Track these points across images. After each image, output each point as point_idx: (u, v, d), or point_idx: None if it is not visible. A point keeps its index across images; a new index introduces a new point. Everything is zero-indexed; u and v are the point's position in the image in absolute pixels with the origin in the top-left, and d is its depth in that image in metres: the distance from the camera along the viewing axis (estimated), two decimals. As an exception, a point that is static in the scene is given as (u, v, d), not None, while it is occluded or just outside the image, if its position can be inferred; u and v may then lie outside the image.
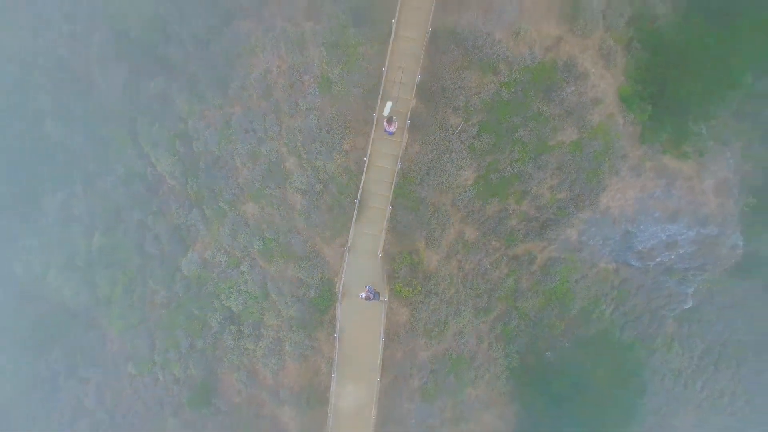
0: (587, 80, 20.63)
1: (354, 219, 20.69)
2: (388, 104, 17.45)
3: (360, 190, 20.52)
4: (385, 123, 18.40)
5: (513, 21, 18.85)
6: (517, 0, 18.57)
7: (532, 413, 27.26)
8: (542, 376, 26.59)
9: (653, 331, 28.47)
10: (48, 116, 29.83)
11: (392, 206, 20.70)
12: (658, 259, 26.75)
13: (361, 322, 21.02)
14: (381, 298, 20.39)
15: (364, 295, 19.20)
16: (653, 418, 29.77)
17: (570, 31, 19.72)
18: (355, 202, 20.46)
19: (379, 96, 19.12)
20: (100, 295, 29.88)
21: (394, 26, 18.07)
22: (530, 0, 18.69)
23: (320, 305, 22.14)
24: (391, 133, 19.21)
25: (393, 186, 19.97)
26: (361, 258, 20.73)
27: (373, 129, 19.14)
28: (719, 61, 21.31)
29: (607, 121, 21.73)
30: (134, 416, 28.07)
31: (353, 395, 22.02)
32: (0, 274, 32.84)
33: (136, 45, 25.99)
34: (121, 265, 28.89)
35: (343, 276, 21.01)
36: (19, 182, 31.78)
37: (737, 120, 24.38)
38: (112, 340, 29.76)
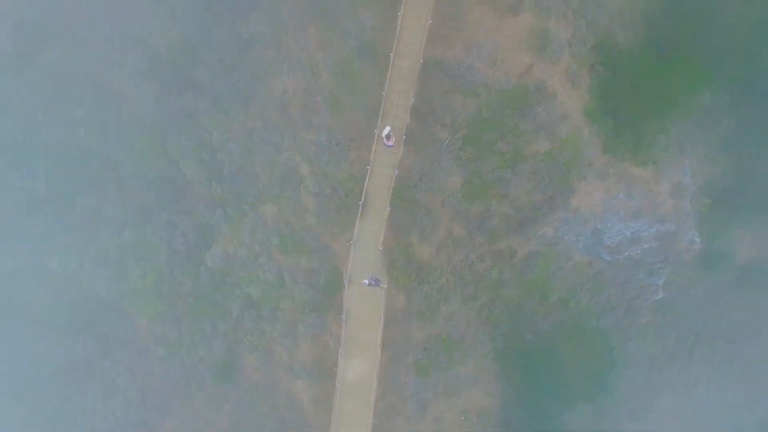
0: (556, 99, 25.25)
1: (358, 218, 25.40)
2: (387, 128, 22.10)
3: (363, 193, 25.23)
4: (384, 138, 23.07)
5: (490, 53, 23.50)
6: (493, 36, 23.19)
7: (516, 390, 31.50)
8: (524, 357, 30.94)
9: (628, 319, 32.16)
10: (82, 126, 34.35)
11: (391, 207, 25.39)
12: (626, 253, 31.09)
13: (364, 306, 25.74)
14: (381, 285, 25.09)
15: (367, 282, 23.91)
16: (633, 402, 32.08)
17: (539, 59, 24.36)
18: (359, 204, 25.15)
19: (380, 115, 23.81)
20: (131, 287, 34.49)
21: (392, 58, 22.74)
22: (504, 36, 23.33)
23: (329, 291, 26.84)
24: (390, 146, 23.87)
25: (391, 190, 24.68)
26: (365, 251, 25.44)
27: (375, 143, 23.86)
28: (668, 83, 25.93)
29: (574, 134, 26.34)
30: (163, 392, 32.75)
31: (357, 369, 26.73)
32: (37, 269, 37.38)
33: (166, 66, 30.66)
34: (150, 259, 33.47)
35: (349, 266, 25.71)
36: (55, 185, 36.32)
37: (698, 131, 28.73)
38: (142, 327, 34.36)
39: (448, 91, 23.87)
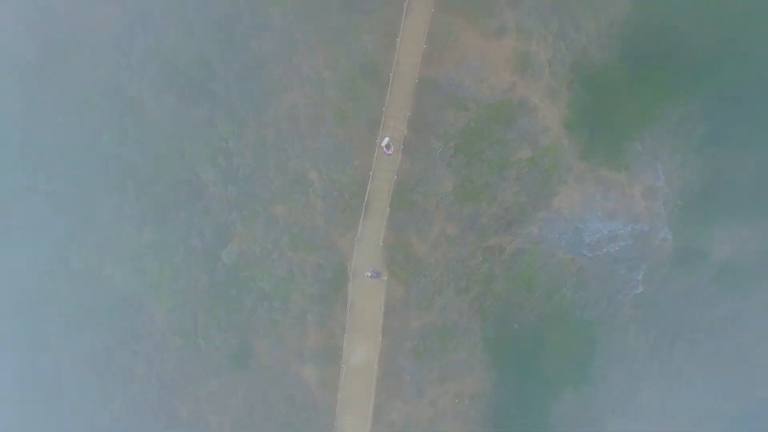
0: (537, 113, 29.13)
1: (361, 218, 29.25)
2: (386, 138, 25.95)
3: (366, 196, 29.08)
4: (384, 147, 26.90)
5: (478, 72, 27.38)
6: (480, 57, 27.00)
7: (505, 376, 35.10)
8: (512, 346, 34.68)
9: (611, 313, 35.53)
10: (104, 133, 38.00)
11: (390, 208, 29.22)
12: (605, 250, 34.94)
13: (367, 297, 29.62)
14: (382, 278, 28.91)
15: (369, 275, 27.76)
16: (617, 392, 35.30)
17: (522, 77, 28.24)
18: (362, 205, 29.02)
19: (380, 127, 27.66)
20: (150, 281, 38.25)
21: (391, 77, 26.61)
22: (490, 57, 27.18)
23: (335, 284, 30.70)
24: (389, 154, 27.69)
25: (391, 193, 28.51)
26: (367, 247, 29.31)
27: (376, 151, 27.70)
28: (641, 96, 29.81)
29: (554, 143, 30.21)
30: (181, 378, 36.52)
31: (360, 354, 30.58)
32: (61, 266, 41.03)
33: (184, 78, 34.50)
34: (168, 256, 37.26)
35: (353, 261, 29.54)
36: (78, 187, 39.96)
37: (672, 138, 32.45)
38: (160, 318, 38.15)
39: (441, 105, 27.71)
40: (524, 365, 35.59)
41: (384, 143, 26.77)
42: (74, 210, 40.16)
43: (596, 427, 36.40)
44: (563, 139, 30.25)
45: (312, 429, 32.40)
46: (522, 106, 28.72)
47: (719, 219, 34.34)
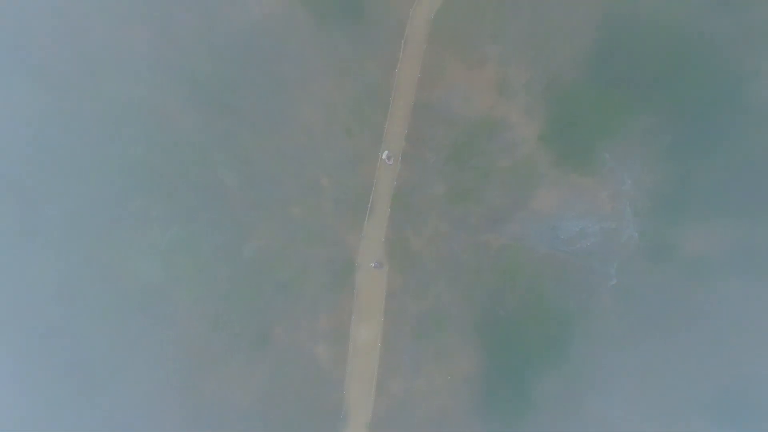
0: (515, 128, 36.16)
1: (366, 217, 36.18)
2: (386, 151, 32.94)
3: (370, 199, 36.03)
4: (385, 158, 33.82)
5: (464, 95, 34.30)
6: (466, 83, 33.91)
7: (492, 358, 41.77)
8: (498, 331, 41.42)
9: (589, 302, 42.36)
10: (136, 144, 44.73)
11: (391, 209, 36.26)
12: (578, 245, 41.82)
13: (371, 285, 36.55)
14: (383, 268, 35.78)
15: (373, 265, 34.61)
16: (596, 373, 41.44)
17: (501, 98, 35.07)
18: (367, 207, 35.97)
19: (382, 141, 34.56)
20: (176, 274, 44.89)
21: (391, 99, 33.55)
22: (475, 82, 34.11)
23: (343, 274, 37.74)
24: (390, 164, 34.62)
25: (391, 196, 35.40)
26: (371, 242, 36.27)
27: (378, 161, 34.61)
28: (608, 112, 36.74)
29: (531, 153, 37.19)
30: (207, 360, 43.32)
31: (365, 335, 37.59)
32: (92, 262, 47.66)
33: (211, 96, 41.28)
34: (194, 251, 43.98)
35: (358, 254, 36.44)
36: (111, 191, 46.61)
37: (638, 147, 39.06)
38: (186, 307, 44.91)
39: (433, 123, 34.78)
40: (509, 348, 42.60)
41: (385, 155, 33.83)
42: (106, 210, 46.90)
43: (577, 404, 42.94)
44: (538, 149, 37.21)
45: (324, 399, 39.47)
46: (502, 123, 35.75)
47: (684, 218, 41.23)
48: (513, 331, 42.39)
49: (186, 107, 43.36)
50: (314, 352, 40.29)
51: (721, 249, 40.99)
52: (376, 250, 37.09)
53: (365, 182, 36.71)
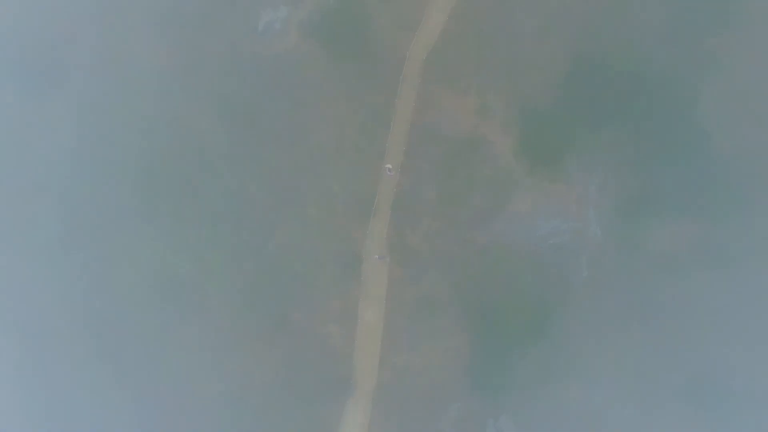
0: (494, 145, 46.28)
1: (371, 218, 46.45)
2: (389, 165, 43.20)
3: (375, 203, 46.27)
4: (387, 170, 44.12)
5: (452, 118, 44.52)
6: (453, 108, 44.15)
7: (480, 340, 51.68)
8: (484, 316, 51.33)
9: (565, 293, 51.24)
10: (166, 155, 54.70)
11: (392, 211, 46.46)
12: (551, 241, 51.79)
13: (375, 274, 46.80)
14: (386, 259, 46.09)
15: (377, 257, 44.88)
16: (576, 358, 49.84)
17: (482, 120, 45.34)
18: (372, 210, 46.21)
19: (385, 156, 44.78)
20: (204, 267, 55.01)
21: (392, 123, 43.76)
22: (460, 107, 44.33)
23: (352, 265, 47.91)
24: (391, 175, 44.93)
25: (392, 201, 45.68)
26: (375, 238, 46.46)
27: (382, 172, 44.84)
28: (574, 129, 46.83)
29: (508, 164, 47.39)
30: (232, 341, 53.48)
31: (371, 316, 47.88)
32: (132, 258, 57.61)
33: (237, 114, 51.32)
34: (220, 247, 54.05)
35: (365, 248, 46.75)
36: (142, 194, 56.41)
37: (605, 158, 49.14)
38: (212, 295, 54.85)
39: (427, 141, 44.99)
40: (494, 329, 52.27)
41: (388, 167, 44.12)
42: (141, 212, 56.96)
43: (558, 385, 51.85)
44: (514, 161, 47.40)
45: (336, 371, 49.75)
46: (483, 140, 45.93)
47: (644, 219, 48.93)
48: (497, 314, 52.13)
49: (217, 126, 53.23)
50: (327, 332, 50.37)
51: (682, 246, 50.47)
52: (380, 245, 47.24)
53: (370, 189, 46.82)
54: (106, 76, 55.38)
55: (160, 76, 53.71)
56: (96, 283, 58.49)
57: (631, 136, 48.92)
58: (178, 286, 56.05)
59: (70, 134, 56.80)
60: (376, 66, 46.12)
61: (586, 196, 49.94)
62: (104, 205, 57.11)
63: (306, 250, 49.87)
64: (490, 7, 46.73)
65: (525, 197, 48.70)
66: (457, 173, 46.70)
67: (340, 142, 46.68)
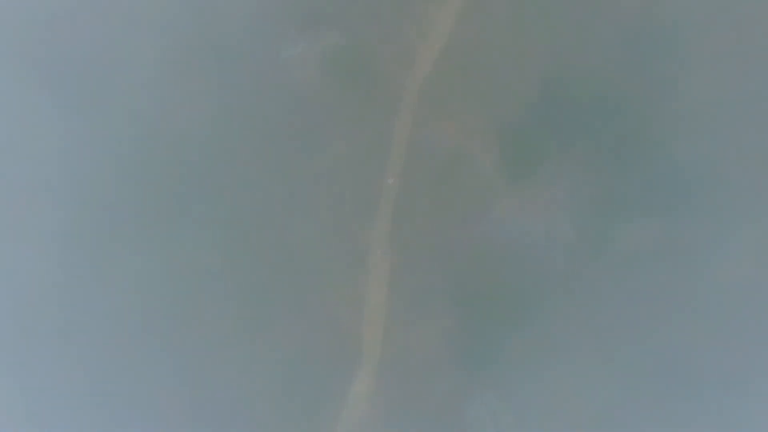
0: (477, 159, 56.51)
1: (375, 219, 57.05)
2: (390, 179, 53.75)
3: (378, 207, 56.80)
4: (389, 182, 54.62)
5: (441, 137, 54.81)
6: (443, 129, 54.55)
7: (470, 322, 62.23)
8: (475, 300, 61.74)
9: (543, 285, 61.31)
10: (195, 170, 64.83)
11: (393, 214, 57.00)
12: (528, 239, 62.00)
13: (380, 263, 57.48)
14: (394, 182, 56.97)
15: (390, 182, 55.72)
16: (557, 343, 60.21)
17: (465, 139, 55.61)
18: (375, 213, 56.80)
19: (386, 169, 55.24)
20: (230, 262, 65.36)
21: (392, 142, 54.11)
22: (448, 129, 54.66)
23: (360, 256, 58.53)
24: (391, 184, 55.43)
25: (392, 206, 56.26)
26: (379, 235, 57.07)
27: (384, 183, 55.34)
28: (548, 145, 56.98)
29: (490, 175, 57.55)
30: (254, 324, 64.18)
31: (376, 299, 58.51)
32: (165, 256, 67.76)
33: (255, 134, 61.61)
34: (245, 245, 64.42)
35: (370, 244, 57.41)
36: (170, 199, 66.48)
37: (575, 168, 59.36)
38: (237, 288, 65.19)
39: (421, 157, 55.37)
40: (483, 314, 62.67)
41: (390, 180, 54.73)
42: (165, 218, 67.30)
43: (535, 362, 62.15)
44: (494, 173, 57.69)
45: (346, 348, 60.59)
46: (468, 155, 56.18)
47: (610, 219, 59.20)
48: (483, 300, 62.56)
49: (244, 143, 63.23)
50: (338, 314, 60.92)
51: (644, 241, 60.02)
52: (382, 240, 57.83)
53: (375, 196, 57.20)
54: (138, 102, 65.06)
55: (194, 99, 63.56)
56: (135, 281, 68.38)
57: (596, 148, 58.68)
58: (205, 277, 66.17)
59: (110, 152, 66.08)
60: (378, 94, 56.59)
61: (557, 200, 60.15)
62: (141, 210, 67.04)
63: (320, 245, 60.29)
64: (472, 47, 57.23)
65: (504, 202, 58.86)
66: (447, 183, 57.15)
67: (348, 158, 57.21)
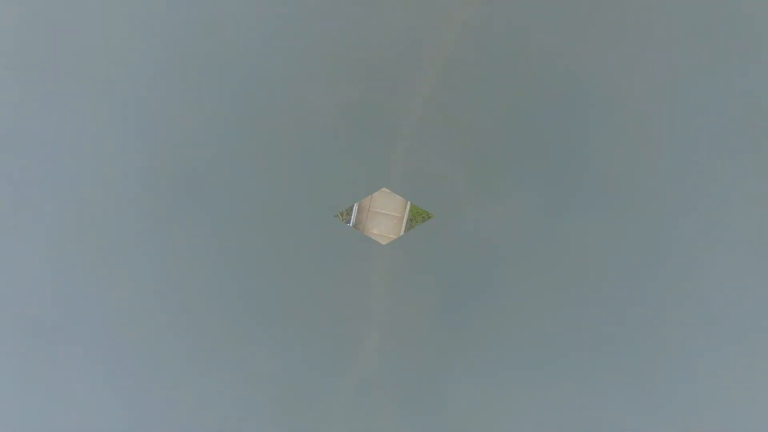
0: (449, 176, 77.87)
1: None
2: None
3: (378, 214, 77.51)
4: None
5: (423, 165, 75.87)
6: (429, 151, 75.38)
7: (450, 296, 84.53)
8: (452, 283, 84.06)
9: (503, 271, 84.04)
10: (220, 179, 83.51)
11: (389, 219, 77.92)
12: (492, 236, 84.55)
13: (377, 255, 78.58)
14: (386, 249, 77.77)
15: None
16: (509, 317, 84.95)
17: (440, 160, 76.90)
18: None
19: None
20: (250, 258, 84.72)
21: (389, 171, 74.80)
22: (428, 147, 75.68)
23: (362, 250, 79.22)
24: (389, 196, 76.12)
25: (389, 212, 77.12)
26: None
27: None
28: (512, 162, 79.02)
29: (461, 188, 79.17)
30: (276, 303, 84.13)
31: (376, 279, 79.56)
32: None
33: (272, 149, 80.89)
34: (270, 246, 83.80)
35: (370, 240, 78.19)
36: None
37: (529, 182, 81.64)
38: (260, 280, 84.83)
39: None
40: (455, 292, 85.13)
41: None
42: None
43: (498, 330, 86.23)
44: (465, 186, 79.27)
45: (352, 316, 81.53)
46: (443, 176, 77.33)
47: (561, 221, 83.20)
48: (457, 282, 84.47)
49: (268, 164, 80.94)
50: (344, 290, 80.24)
51: (591, 238, 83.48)
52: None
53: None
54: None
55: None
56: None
57: (547, 169, 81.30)
58: (228, 269, 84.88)
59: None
60: (378, 133, 76.40)
61: (519, 204, 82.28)
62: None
63: (327, 243, 79.77)
64: (448, 99, 78.03)
65: (473, 210, 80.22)
66: (430, 197, 78.20)
67: (349, 175, 76.93)
